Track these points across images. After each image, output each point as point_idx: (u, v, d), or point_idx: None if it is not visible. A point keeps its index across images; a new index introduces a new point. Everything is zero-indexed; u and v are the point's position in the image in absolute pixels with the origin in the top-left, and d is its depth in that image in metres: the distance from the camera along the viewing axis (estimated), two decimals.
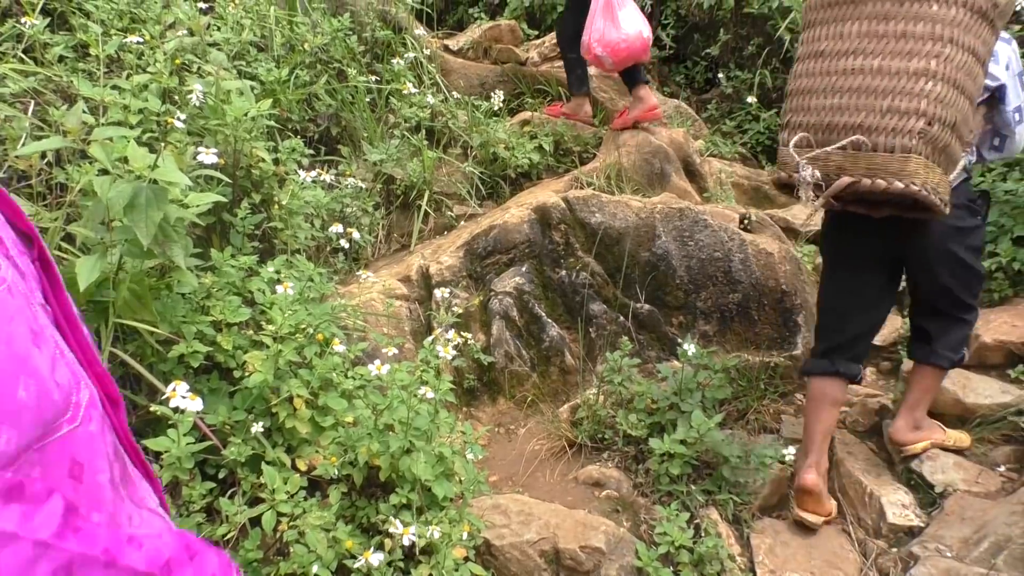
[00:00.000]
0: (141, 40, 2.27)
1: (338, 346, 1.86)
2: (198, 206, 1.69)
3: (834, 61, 1.95)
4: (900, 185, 1.84)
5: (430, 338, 2.02)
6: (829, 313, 2.38)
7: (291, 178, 2.36)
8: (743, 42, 4.81)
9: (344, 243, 2.32)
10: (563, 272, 2.90)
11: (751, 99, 4.51)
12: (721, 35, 4.78)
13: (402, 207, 3.35)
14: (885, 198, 1.94)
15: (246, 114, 2.18)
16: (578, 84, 3.87)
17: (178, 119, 1.89)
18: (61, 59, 2.53)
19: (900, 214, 2.01)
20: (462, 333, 2.24)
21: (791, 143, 1.97)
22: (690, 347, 2.32)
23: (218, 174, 1.85)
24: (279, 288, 1.83)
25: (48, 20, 2.64)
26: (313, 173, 2.37)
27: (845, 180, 1.89)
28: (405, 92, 3.36)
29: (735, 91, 4.75)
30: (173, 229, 1.65)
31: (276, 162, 2.62)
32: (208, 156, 1.75)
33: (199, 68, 2.57)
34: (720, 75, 4.85)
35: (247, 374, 1.93)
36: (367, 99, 3.37)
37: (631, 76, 3.69)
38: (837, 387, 2.31)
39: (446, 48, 4.54)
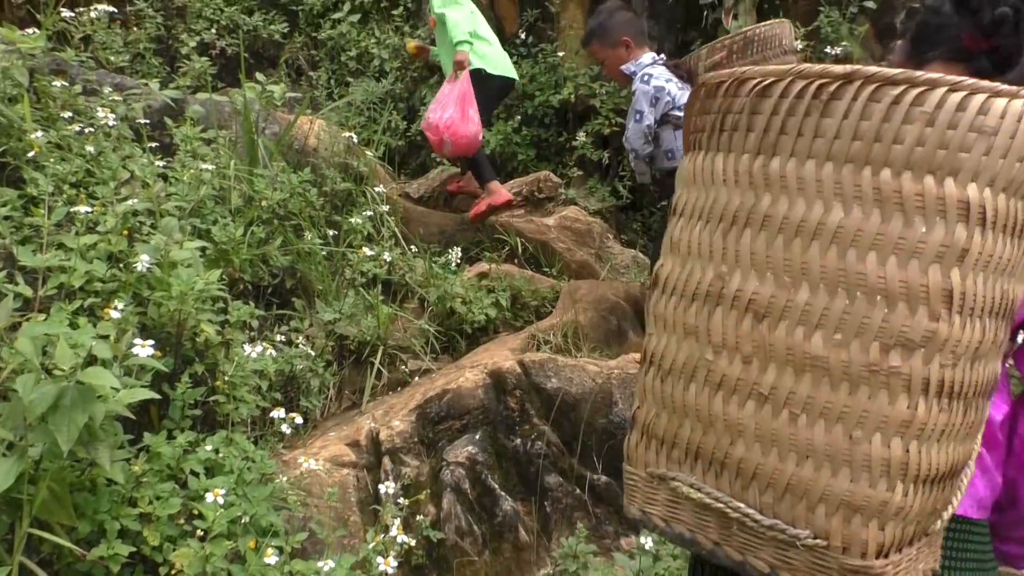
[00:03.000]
0: (90, 209, 2.22)
1: (270, 557, 1.73)
2: (129, 401, 1.60)
3: None
4: None
5: (371, 545, 1.90)
6: None
7: (236, 350, 2.28)
8: None
9: (287, 428, 2.22)
10: (517, 440, 2.81)
11: None
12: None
13: (355, 363, 3.26)
14: None
15: (193, 286, 2.12)
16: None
17: (115, 309, 1.81)
18: (7, 218, 2.47)
19: None
20: (406, 537, 2.12)
21: None
22: (647, 540, 2.23)
23: (155, 362, 1.77)
24: (208, 496, 1.71)
25: None
26: (259, 348, 2.29)
27: None
28: (361, 256, 3.35)
29: None
30: (100, 427, 1.55)
31: (225, 324, 2.54)
32: (144, 349, 1.67)
33: (150, 230, 2.52)
34: None
35: (173, 573, 1.79)
36: (324, 252, 3.35)
37: (483, 174, 4.24)
38: None
39: (406, 195, 4.59)
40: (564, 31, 5.43)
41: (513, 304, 3.71)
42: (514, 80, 4.40)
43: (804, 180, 0.80)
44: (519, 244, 4.18)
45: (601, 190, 5.20)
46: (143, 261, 2.10)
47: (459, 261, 3.80)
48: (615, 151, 5.39)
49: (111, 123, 2.71)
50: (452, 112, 3.91)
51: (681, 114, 3.13)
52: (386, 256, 3.41)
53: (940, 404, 0.77)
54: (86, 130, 2.78)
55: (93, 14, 3.60)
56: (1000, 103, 0.75)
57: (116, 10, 4.03)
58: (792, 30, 3.10)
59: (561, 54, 5.36)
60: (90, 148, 2.58)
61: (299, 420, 2.21)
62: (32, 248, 2.26)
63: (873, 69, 0.78)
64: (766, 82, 0.84)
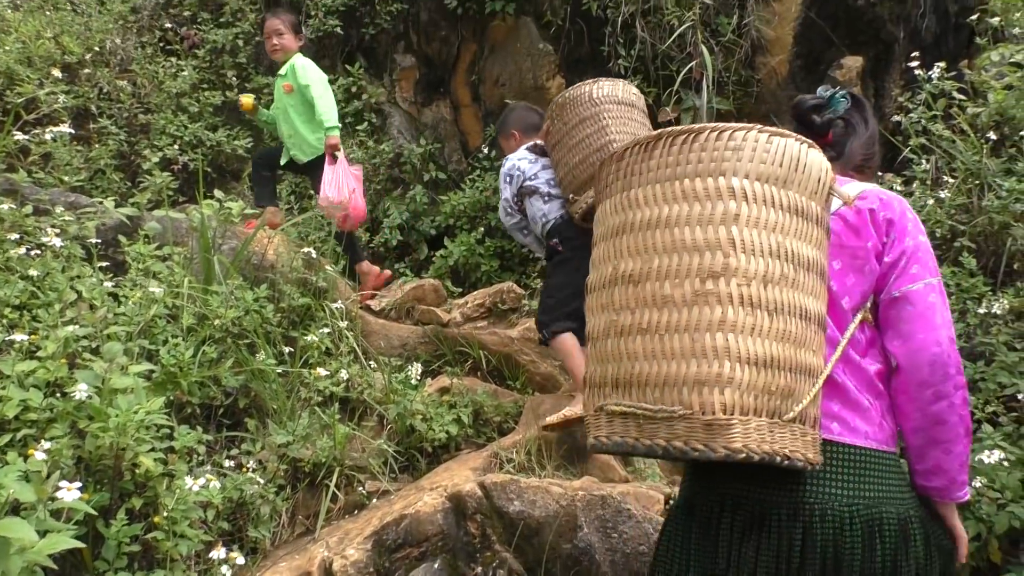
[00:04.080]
0: (26, 337, 2.14)
1: None
2: (51, 551, 1.48)
3: None
4: None
5: None
6: (577, 295, 3.04)
7: (179, 482, 2.16)
8: None
9: (227, 570, 2.08)
10: (479, 569, 2.67)
11: None
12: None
13: (309, 485, 3.12)
14: None
15: (134, 415, 2.02)
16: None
17: (40, 449, 1.71)
18: None
19: None
20: None
21: None
22: None
23: (83, 504, 1.65)
24: None
25: None
26: (203, 479, 2.17)
27: None
28: (316, 375, 3.27)
29: None
30: None
31: (170, 450, 2.42)
32: (70, 492, 1.57)
33: (91, 356, 2.42)
34: None
35: None
36: (279, 370, 3.25)
37: (355, 256, 4.73)
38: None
39: (368, 308, 4.54)
40: None
41: (476, 420, 3.62)
42: None
43: (647, 196, 1.33)
44: (482, 356, 4.12)
45: None
46: (80, 390, 2.01)
47: (419, 376, 3.72)
48: None
49: (58, 244, 2.64)
50: (351, 189, 4.40)
51: (534, 183, 3.58)
52: (343, 374, 3.32)
53: (744, 310, 1.21)
54: (33, 252, 2.71)
55: (48, 135, 3.59)
56: (742, 132, 1.28)
57: (73, 131, 4.04)
58: (622, 86, 3.30)
59: None
60: (33, 272, 2.51)
61: (240, 560, 2.08)
62: None
63: (672, 129, 1.33)
64: (622, 151, 1.41)
